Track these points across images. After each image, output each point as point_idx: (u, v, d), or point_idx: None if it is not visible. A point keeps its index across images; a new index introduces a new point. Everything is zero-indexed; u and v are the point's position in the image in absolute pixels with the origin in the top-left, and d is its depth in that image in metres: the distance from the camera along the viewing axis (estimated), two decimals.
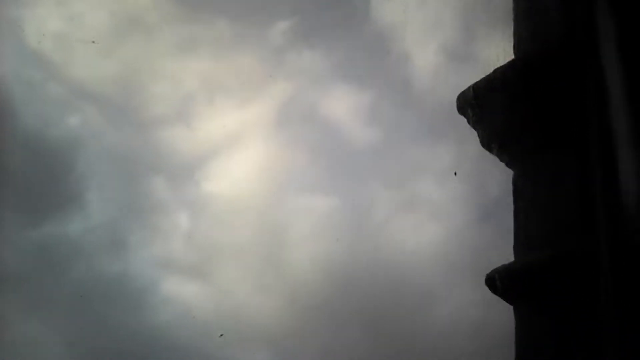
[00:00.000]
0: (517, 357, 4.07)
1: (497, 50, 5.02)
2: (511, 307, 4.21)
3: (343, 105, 28.39)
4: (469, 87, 4.93)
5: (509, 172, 4.79)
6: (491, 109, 4.80)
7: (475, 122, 4.94)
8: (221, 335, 20.84)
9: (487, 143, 4.86)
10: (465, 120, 4.99)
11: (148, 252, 25.41)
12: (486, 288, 4.30)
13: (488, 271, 4.28)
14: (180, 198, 26.66)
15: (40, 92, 24.16)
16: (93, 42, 26.12)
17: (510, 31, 4.97)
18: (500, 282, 4.21)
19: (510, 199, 4.51)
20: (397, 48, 28.04)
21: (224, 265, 25.60)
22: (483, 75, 4.86)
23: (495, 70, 4.83)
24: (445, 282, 24.38)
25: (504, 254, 4.34)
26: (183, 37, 26.95)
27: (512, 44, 5.01)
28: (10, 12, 24.29)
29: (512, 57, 4.87)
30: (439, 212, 26.83)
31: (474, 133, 4.98)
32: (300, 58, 27.92)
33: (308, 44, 29.03)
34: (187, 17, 27.44)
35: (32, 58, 24.24)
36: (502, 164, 4.75)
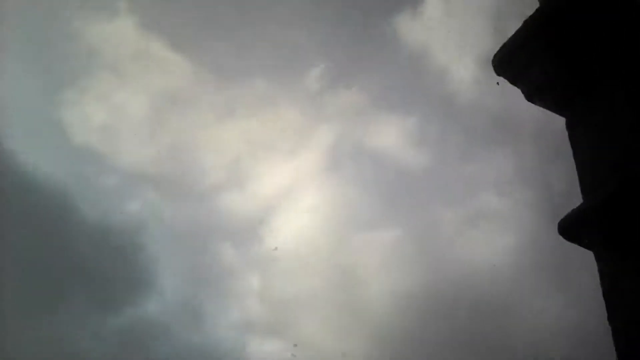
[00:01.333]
0: (606, 299, 3.96)
1: None
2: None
3: (389, 134, 28.39)
4: (502, 46, 4.92)
5: (570, 165, 4.70)
6: (528, 61, 4.78)
7: (515, 79, 4.93)
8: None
9: (531, 96, 4.83)
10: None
11: (226, 318, 25.59)
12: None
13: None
14: (248, 259, 26.90)
15: (97, 185, 25.06)
16: (135, 134, 27.03)
17: None
18: (570, 227, 4.13)
19: (577, 190, 4.44)
20: (433, 66, 28.13)
21: (302, 317, 25.57)
22: None
23: (525, 22, 4.81)
24: (526, 289, 23.88)
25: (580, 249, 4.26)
26: (222, 104, 27.61)
27: None
28: (54, 114, 25.46)
29: None
30: (506, 221, 26.46)
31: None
32: (338, 98, 28.23)
33: (344, 83, 29.37)
34: (224, 84, 28.16)
35: (83, 154, 25.22)
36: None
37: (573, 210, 4.15)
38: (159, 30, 27.02)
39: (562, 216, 4.23)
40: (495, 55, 5.00)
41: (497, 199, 26.84)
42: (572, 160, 4.55)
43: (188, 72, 26.99)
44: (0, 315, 19.78)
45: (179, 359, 22.23)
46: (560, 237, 4.35)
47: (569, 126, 4.71)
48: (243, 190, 27.02)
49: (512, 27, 5.08)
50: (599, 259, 4.11)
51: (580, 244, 4.24)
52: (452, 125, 26.82)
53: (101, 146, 25.76)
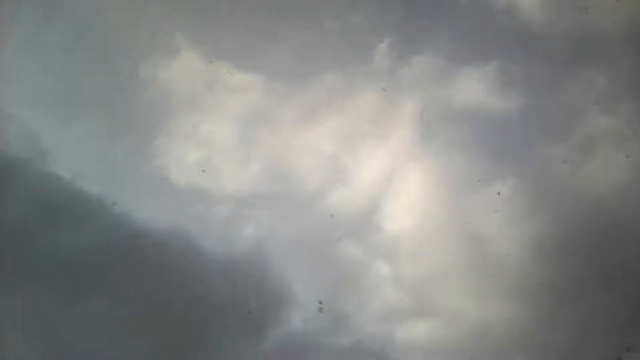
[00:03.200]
0: None
1: None
2: None
3: (474, 87, 27.84)
4: None
5: None
6: None
7: None
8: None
9: None
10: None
11: (368, 313, 25.74)
12: None
13: None
14: (372, 250, 26.98)
15: (209, 219, 25.85)
16: (230, 161, 27.78)
17: None
18: None
19: None
20: (500, 4, 27.46)
21: (442, 293, 25.40)
22: None
23: None
24: None
25: None
26: (302, 107, 27.91)
27: None
28: (152, 165, 26.51)
29: None
30: (621, 137, 25.30)
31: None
32: (413, 67, 27.84)
33: (413, 50, 29.02)
34: (298, 89, 28.31)
35: (189, 194, 26.10)
36: None
37: None
38: (223, 54, 27.57)
39: None
40: None
41: (604, 118, 25.78)
42: None
43: (262, 87, 27.54)
44: None
45: None
46: None
47: None
48: (347, 186, 27.19)
49: None
50: None
51: None
52: (534, 56, 26.02)
53: (203, 182, 26.54)
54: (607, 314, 22.32)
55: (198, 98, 27.85)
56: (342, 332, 23.94)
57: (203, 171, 26.43)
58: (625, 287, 22.42)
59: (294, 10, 27.31)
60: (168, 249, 23.97)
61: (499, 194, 25.14)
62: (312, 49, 27.76)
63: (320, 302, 23.31)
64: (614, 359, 21.05)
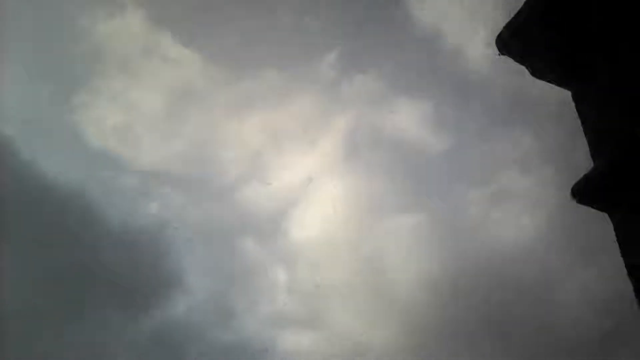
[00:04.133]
0: (623, 257, 3.99)
1: None
2: None
3: (408, 118, 28.18)
4: (505, 25, 4.92)
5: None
6: (531, 39, 4.79)
7: (520, 57, 4.93)
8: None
9: (535, 73, 4.83)
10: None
11: (256, 314, 25.65)
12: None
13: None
14: (273, 253, 26.93)
15: (116, 187, 25.11)
16: (151, 133, 26.90)
17: None
18: (582, 190, 4.16)
19: None
20: (446, 47, 27.81)
21: (332, 308, 25.58)
22: None
23: (527, 2, 4.81)
24: (557, 266, 23.62)
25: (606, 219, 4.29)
26: (237, 97, 27.44)
27: None
28: (68, 119, 25.52)
29: None
30: (531, 198, 26.12)
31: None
32: (354, 84, 28.01)
33: (359, 68, 29.16)
34: (238, 76, 28.01)
35: (100, 156, 25.28)
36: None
37: (584, 175, 4.24)
38: (168, 24, 26.93)
39: None
40: (498, 35, 5.01)
41: (521, 177, 26.64)
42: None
43: (200, 66, 26.89)
44: (27, 322, 20.04)
45: (211, 358, 22.29)
46: (587, 213, 4.45)
47: (575, 99, 4.78)
48: (265, 183, 27.00)
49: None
50: (612, 218, 4.13)
51: (592, 207, 4.32)
52: (470, 104, 26.56)
53: (118, 148, 25.79)
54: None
55: (132, 61, 26.97)
56: (226, 328, 23.74)
57: (122, 138, 25.74)
58: (508, 338, 23.00)
59: None
60: (66, 206, 23.14)
61: (407, 224, 25.50)
62: (260, 40, 27.46)
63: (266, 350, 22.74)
64: None
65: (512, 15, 4.83)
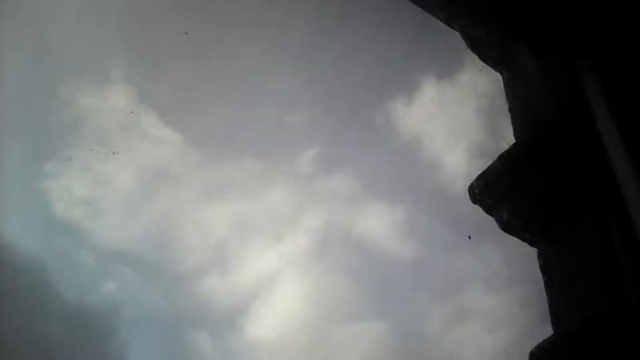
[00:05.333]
0: None
1: None
2: None
3: (378, 223, 28.22)
4: (477, 177, 5.05)
5: None
6: (499, 195, 4.91)
7: (489, 210, 5.03)
8: None
9: (504, 227, 4.92)
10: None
11: None
12: None
13: None
14: (224, 350, 26.21)
15: (73, 261, 24.52)
16: (117, 210, 26.60)
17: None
18: (540, 358, 4.17)
19: None
20: (425, 156, 28.16)
21: None
22: None
23: (499, 158, 4.97)
24: None
25: None
26: (210, 183, 27.40)
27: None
28: (36, 186, 25.15)
29: None
30: (494, 319, 25.96)
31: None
32: (330, 183, 28.19)
33: (336, 168, 29.40)
34: (213, 161, 28.07)
35: (63, 227, 24.78)
36: None
37: (543, 342, 4.25)
38: (152, 102, 26.94)
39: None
40: (470, 186, 5.14)
41: (485, 296, 26.51)
42: None
43: (178, 147, 26.93)
44: None
45: None
46: None
47: (540, 258, 4.83)
48: (224, 275, 26.67)
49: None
50: None
51: None
52: (442, 217, 26.69)
53: (83, 221, 25.35)
54: None
55: (110, 135, 26.92)
56: None
57: (88, 211, 25.36)
58: None
59: (241, 86, 27.17)
60: (21, 275, 22.50)
61: (366, 333, 25.15)
62: (241, 128, 27.70)
63: None
64: None
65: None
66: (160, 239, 26.34)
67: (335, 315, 26.40)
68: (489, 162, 5.01)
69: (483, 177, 5.06)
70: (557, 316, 4.32)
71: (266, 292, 26.54)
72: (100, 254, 25.12)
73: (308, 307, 26.11)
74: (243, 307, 26.18)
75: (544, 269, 4.80)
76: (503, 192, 4.89)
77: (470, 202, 5.07)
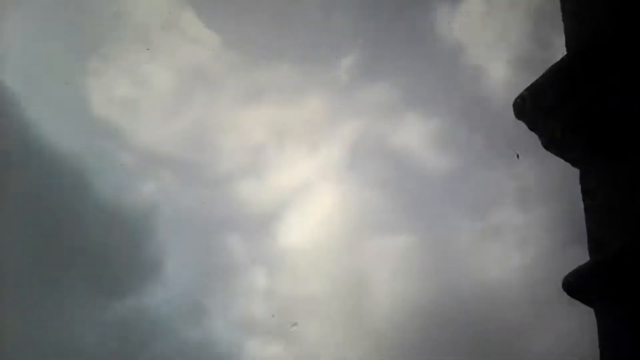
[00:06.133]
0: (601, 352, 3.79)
1: None
2: None
3: (414, 134, 27.80)
4: (524, 91, 4.72)
5: None
6: (548, 109, 4.57)
7: (534, 125, 4.71)
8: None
9: (547, 145, 4.60)
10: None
11: (229, 315, 25.14)
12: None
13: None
14: (257, 254, 26.47)
15: (112, 161, 24.70)
16: (156, 110, 26.46)
17: None
18: (575, 284, 3.94)
19: None
20: (467, 66, 27.36)
21: (307, 322, 25.13)
22: None
23: (548, 70, 4.61)
24: (539, 312, 23.23)
25: None
26: (248, 87, 27.07)
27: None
28: (75, 84, 25.12)
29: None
30: (525, 237, 25.75)
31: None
32: (367, 92, 27.60)
33: (375, 76, 28.73)
34: (251, 65, 27.63)
35: (102, 127, 24.83)
36: None
37: (579, 267, 4.02)
38: (192, 2, 26.25)
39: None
40: (516, 99, 4.83)
41: (518, 213, 26.23)
42: None
43: (217, 49, 26.38)
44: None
45: (175, 354, 21.89)
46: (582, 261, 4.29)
47: (583, 180, 4.54)
48: (260, 180, 26.74)
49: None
50: (599, 316, 3.93)
51: (582, 301, 4.11)
52: (480, 129, 26.08)
53: (121, 120, 25.39)
54: None
55: (150, 34, 26.58)
56: (196, 325, 23.27)
57: (127, 110, 25.40)
58: None
59: None
60: (59, 172, 22.72)
61: (396, 245, 25.24)
62: (281, 31, 27.07)
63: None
64: None
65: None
66: (198, 142, 26.38)
67: (367, 227, 26.47)
68: (535, 75, 4.68)
69: (529, 90, 4.70)
70: (596, 242, 4.04)
71: (300, 199, 26.65)
72: (139, 154, 25.29)
73: (340, 217, 26.18)
74: (277, 213, 26.40)
75: (586, 191, 4.49)
76: (550, 107, 4.53)
77: (510, 115, 4.78)
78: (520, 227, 25.84)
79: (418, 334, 23.71)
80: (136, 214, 23.63)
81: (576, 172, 4.68)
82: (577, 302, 4.10)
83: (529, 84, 4.78)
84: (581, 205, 4.37)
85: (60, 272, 21.44)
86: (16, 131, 22.30)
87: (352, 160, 27.38)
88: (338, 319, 24.19)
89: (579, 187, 4.49)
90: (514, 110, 4.83)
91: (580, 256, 4.11)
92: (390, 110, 27.68)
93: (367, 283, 25.18)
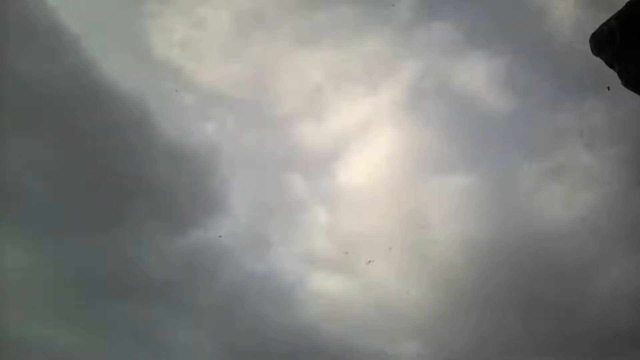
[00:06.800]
0: None
1: None
2: None
3: (477, 74, 27.11)
4: (602, 25, 4.49)
5: None
6: (629, 44, 4.34)
7: (614, 61, 4.49)
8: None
9: (628, 82, 4.39)
10: (613, 75, 4.55)
11: (291, 249, 25.66)
12: None
13: None
14: (318, 192, 26.67)
15: (174, 102, 24.98)
16: (216, 51, 26.34)
17: None
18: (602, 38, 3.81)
19: None
20: (532, 3, 26.33)
21: (367, 257, 25.36)
22: None
23: (627, 4, 4.36)
24: (603, 253, 22.80)
25: None
26: (306, 28, 26.72)
27: None
28: (136, 25, 25.26)
29: None
30: (589, 177, 25.08)
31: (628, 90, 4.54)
32: (429, 31, 26.93)
33: (436, 15, 27.94)
34: (309, 6, 27.27)
35: (163, 68, 25.05)
36: None
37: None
38: None
39: None
40: (593, 35, 4.60)
41: (582, 153, 25.41)
42: None
43: None
44: (65, 221, 20.38)
45: (239, 284, 22.50)
46: None
47: None
48: (320, 121, 26.62)
49: None
50: None
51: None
52: (545, 68, 25.15)
53: (182, 61, 25.42)
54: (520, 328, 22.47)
55: None
56: (259, 258, 23.88)
57: (187, 51, 25.48)
58: (535, 317, 22.60)
59: None
60: (124, 112, 23.08)
61: (457, 184, 25.00)
62: None
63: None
64: None
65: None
66: (257, 83, 26.35)
67: (427, 166, 26.22)
68: (602, 14, 4.43)
69: (608, 24, 4.48)
70: None
71: (359, 139, 26.52)
72: (199, 94, 25.45)
73: (400, 157, 25.99)
74: (336, 153, 26.37)
75: None
76: (632, 42, 4.32)
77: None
78: (586, 167, 25.19)
79: (475, 270, 23.66)
80: (199, 152, 24.01)
81: None
82: None
83: (595, 23, 4.54)
84: None
85: (129, 208, 22.08)
86: (78, 73, 22.68)
87: (412, 100, 26.94)
88: (396, 255, 24.28)
89: None
90: (593, 45, 4.62)
91: None
92: (452, 50, 26.95)
93: (427, 220, 25.13)
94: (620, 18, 4.28)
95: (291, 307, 23.05)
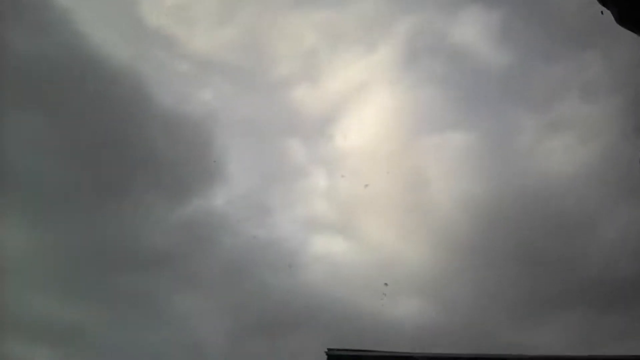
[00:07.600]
0: None
1: None
2: None
3: (472, 28, 26.74)
4: None
5: None
6: None
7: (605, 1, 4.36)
8: (385, 284, 20.55)
9: (621, 19, 4.26)
10: (609, 19, 4.42)
11: (292, 214, 25.61)
12: None
13: None
14: (316, 156, 26.55)
15: (168, 69, 24.69)
16: (209, 17, 25.90)
17: None
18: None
19: None
20: None
21: (367, 218, 25.39)
22: None
23: None
24: (603, 203, 22.75)
25: None
26: None
27: None
28: None
29: None
30: (589, 129, 24.89)
31: (622, 38, 4.42)
32: None
33: None
34: None
35: (155, 36, 24.68)
36: None
37: None
38: None
39: None
40: None
41: (582, 105, 25.24)
42: None
43: None
44: (65, 195, 20.35)
45: (242, 252, 22.52)
46: None
47: None
48: (315, 84, 26.39)
49: None
50: None
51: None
52: (541, 20, 24.76)
53: (173, 28, 25.05)
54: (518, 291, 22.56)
55: None
56: (260, 225, 23.86)
57: (179, 18, 25.12)
58: (539, 269, 22.66)
59: None
60: (118, 83, 22.86)
61: (455, 142, 24.83)
62: None
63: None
64: None
65: None
66: (251, 48, 26.04)
67: (424, 124, 26.08)
68: None
69: None
70: None
71: (356, 101, 26.30)
72: (193, 62, 25.18)
73: (397, 116, 25.82)
74: (333, 116, 26.20)
75: None
76: None
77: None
78: (585, 118, 25.02)
79: (476, 227, 23.65)
80: (195, 120, 23.84)
81: None
82: None
83: None
84: None
85: (127, 179, 22.02)
86: (70, 46, 22.35)
87: (409, 58, 26.63)
88: (396, 215, 24.29)
89: None
90: None
91: None
92: (446, 5, 26.54)
93: (426, 180, 25.07)
94: None
95: (294, 271, 23.11)
